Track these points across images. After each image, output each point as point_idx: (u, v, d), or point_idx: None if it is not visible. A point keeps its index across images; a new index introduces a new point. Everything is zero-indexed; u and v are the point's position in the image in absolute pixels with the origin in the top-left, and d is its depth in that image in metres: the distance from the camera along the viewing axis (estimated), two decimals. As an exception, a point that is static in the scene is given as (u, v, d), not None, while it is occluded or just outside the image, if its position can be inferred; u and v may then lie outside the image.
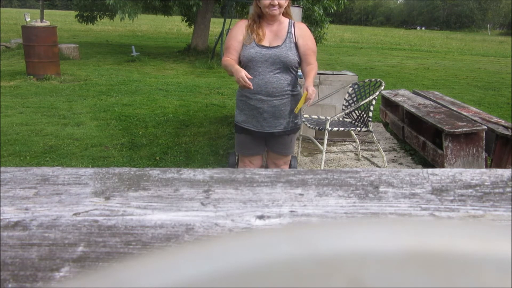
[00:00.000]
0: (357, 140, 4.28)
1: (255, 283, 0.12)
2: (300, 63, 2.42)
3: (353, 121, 3.93)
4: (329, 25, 12.15)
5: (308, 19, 10.51)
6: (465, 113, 3.89)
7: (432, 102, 4.44)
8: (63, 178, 0.54)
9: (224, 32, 10.82)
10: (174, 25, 26.21)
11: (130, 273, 0.13)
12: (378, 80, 3.88)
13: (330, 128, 3.63)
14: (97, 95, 6.60)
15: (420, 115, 3.99)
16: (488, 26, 71.45)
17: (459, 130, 3.42)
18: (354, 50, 19.25)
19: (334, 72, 4.97)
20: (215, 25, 15.47)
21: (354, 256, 0.13)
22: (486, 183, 0.53)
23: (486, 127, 3.47)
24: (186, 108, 5.97)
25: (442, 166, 3.51)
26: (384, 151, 4.22)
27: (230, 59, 2.35)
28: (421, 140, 4.04)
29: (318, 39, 11.36)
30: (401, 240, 0.13)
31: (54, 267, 0.38)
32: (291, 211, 0.47)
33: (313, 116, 4.10)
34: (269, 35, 2.38)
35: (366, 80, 4.04)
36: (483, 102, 7.48)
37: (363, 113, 3.76)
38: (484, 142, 3.50)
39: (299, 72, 3.41)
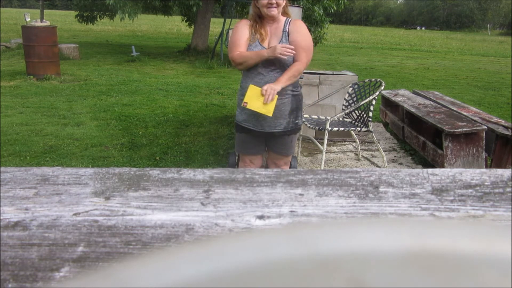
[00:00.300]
0: (357, 140, 4.28)
1: (255, 283, 0.12)
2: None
3: (353, 121, 3.93)
4: (329, 25, 12.16)
5: (308, 19, 10.50)
6: (465, 113, 3.89)
7: (432, 102, 4.44)
8: (63, 178, 0.54)
9: (224, 32, 10.83)
10: (174, 25, 26.21)
11: (130, 273, 0.13)
12: (378, 80, 3.88)
13: (330, 128, 3.63)
14: (97, 95, 6.60)
15: (420, 115, 3.99)
16: (488, 26, 71.44)
17: (459, 130, 3.42)
18: (354, 50, 19.25)
19: (334, 72, 4.97)
20: (215, 25, 15.47)
21: (354, 256, 0.13)
22: (486, 183, 0.53)
23: (486, 127, 3.47)
24: (186, 108, 5.97)
25: (442, 166, 3.51)
26: (384, 151, 4.22)
27: (246, 51, 2.36)
28: (421, 140, 4.04)
29: (318, 39, 11.37)
30: (401, 240, 0.13)
31: (54, 267, 0.38)
32: (291, 211, 0.47)
33: (313, 116, 4.10)
34: (269, 35, 2.39)
35: (366, 80, 4.04)
36: (483, 102, 7.48)
37: (363, 113, 3.76)
38: (484, 142, 3.50)
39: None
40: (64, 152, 4.02)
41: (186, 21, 13.83)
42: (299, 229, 0.15)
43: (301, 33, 2.36)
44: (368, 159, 4.15)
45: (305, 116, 3.95)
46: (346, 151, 4.38)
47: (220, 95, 7.13)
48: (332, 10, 11.17)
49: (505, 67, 14.22)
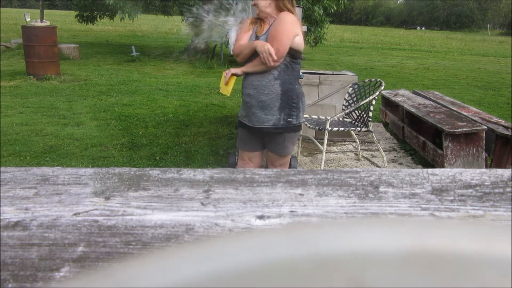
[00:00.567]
0: (357, 140, 4.28)
1: (255, 283, 0.12)
2: (292, 57, 2.38)
3: (353, 121, 3.93)
4: (329, 25, 12.16)
5: (308, 19, 10.50)
6: (465, 113, 3.89)
7: (432, 102, 4.44)
8: (63, 178, 0.54)
9: (224, 32, 10.81)
10: (174, 25, 26.21)
11: (130, 273, 0.13)
12: (378, 80, 3.88)
13: (330, 128, 3.63)
14: (97, 95, 6.60)
15: (420, 115, 3.99)
16: (488, 26, 71.45)
17: (459, 130, 3.42)
18: (354, 50, 19.25)
19: (334, 72, 4.97)
20: (215, 25, 15.44)
21: (354, 256, 0.13)
22: (486, 183, 0.53)
23: (486, 127, 3.47)
24: (186, 108, 5.97)
25: (442, 166, 3.51)
26: (384, 151, 4.22)
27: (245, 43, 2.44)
28: (421, 140, 4.04)
29: (318, 39, 11.37)
30: (401, 240, 0.13)
31: (54, 267, 0.38)
32: (291, 211, 0.47)
33: (313, 116, 4.10)
34: (265, 28, 2.43)
35: (366, 80, 4.04)
36: (483, 102, 7.48)
37: (363, 113, 3.76)
38: (484, 142, 3.50)
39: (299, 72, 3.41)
40: (64, 152, 4.02)
41: (186, 21, 13.83)
42: (299, 229, 0.15)
43: (277, 23, 2.35)
44: (368, 159, 4.15)
45: (305, 116, 3.95)
46: (346, 151, 4.38)
47: (220, 95, 7.13)
48: (332, 10, 11.17)
49: (505, 67, 14.22)
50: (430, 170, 0.57)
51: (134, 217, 0.46)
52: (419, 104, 4.38)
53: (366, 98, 3.73)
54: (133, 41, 16.61)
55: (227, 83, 2.46)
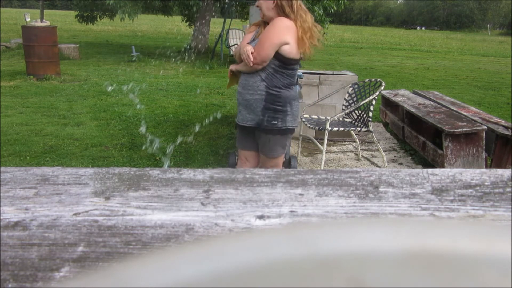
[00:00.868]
0: (357, 140, 4.28)
1: (255, 283, 0.12)
2: (282, 62, 2.35)
3: (353, 121, 3.93)
4: (329, 25, 12.14)
5: (308, 19, 10.49)
6: (465, 113, 3.89)
7: (432, 102, 4.44)
8: (63, 178, 0.54)
9: (224, 32, 10.83)
10: (174, 25, 26.20)
11: (130, 273, 0.13)
12: (378, 80, 3.88)
13: (330, 128, 3.63)
14: (97, 95, 6.60)
15: (420, 115, 3.99)
16: (488, 26, 71.46)
17: (459, 130, 3.42)
18: (354, 50, 19.24)
19: (334, 72, 4.97)
20: (215, 25, 15.48)
21: (354, 256, 0.13)
22: (486, 183, 0.53)
23: (486, 127, 3.47)
24: (186, 108, 5.97)
25: (442, 166, 3.51)
26: (384, 151, 4.22)
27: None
28: (421, 140, 4.04)
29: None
30: (401, 240, 0.13)
31: (54, 267, 0.38)
32: (291, 211, 0.47)
33: (313, 116, 4.10)
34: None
35: (366, 80, 4.04)
36: (483, 102, 7.48)
37: (363, 113, 3.76)
38: (484, 142, 3.50)
39: (299, 72, 3.41)
40: (64, 152, 4.02)
41: (186, 21, 13.84)
42: (299, 229, 0.15)
43: (266, 29, 2.34)
44: (368, 159, 4.15)
45: (305, 116, 3.95)
46: (346, 151, 4.38)
47: (220, 95, 7.14)
48: (332, 10, 11.17)
49: (505, 67, 14.21)
50: (430, 170, 0.57)
51: (134, 217, 0.46)
52: (419, 104, 4.38)
53: (366, 98, 3.73)
54: (133, 41, 16.61)
55: (229, 78, 2.60)
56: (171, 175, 0.55)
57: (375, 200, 0.50)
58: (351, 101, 4.08)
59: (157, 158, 3.97)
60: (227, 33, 10.75)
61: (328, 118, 3.84)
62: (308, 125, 3.76)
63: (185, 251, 0.14)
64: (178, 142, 4.25)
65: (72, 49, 10.83)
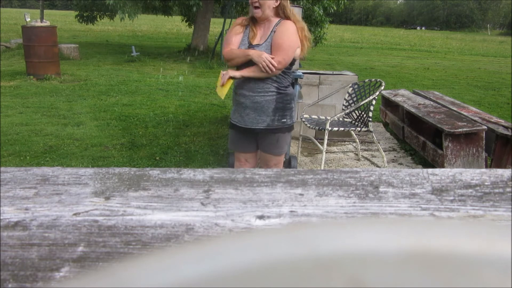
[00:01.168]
0: (357, 140, 4.28)
1: (255, 283, 0.12)
2: (290, 63, 2.40)
3: (353, 121, 3.93)
4: (329, 25, 12.15)
5: (308, 19, 10.50)
6: (465, 113, 3.89)
7: (432, 102, 4.44)
8: (63, 178, 0.54)
9: (224, 32, 10.82)
10: (174, 25, 26.20)
11: (130, 273, 0.13)
12: (378, 80, 3.88)
13: (330, 128, 3.63)
14: (97, 95, 6.60)
15: (420, 115, 3.99)
16: (488, 26, 71.46)
17: (459, 130, 3.42)
18: (354, 50, 19.24)
19: (334, 72, 4.97)
20: (215, 25, 15.46)
21: (354, 256, 0.13)
22: (486, 183, 0.53)
23: (486, 127, 3.47)
24: (186, 108, 5.97)
25: (442, 166, 3.51)
26: (384, 151, 4.22)
27: (236, 49, 2.39)
28: (421, 140, 4.04)
29: (318, 39, 11.36)
30: (401, 240, 0.13)
31: (54, 267, 0.38)
32: (291, 211, 0.47)
33: (313, 116, 4.10)
34: (259, 34, 2.40)
35: (366, 80, 4.04)
36: (483, 102, 7.48)
37: (363, 113, 3.76)
38: (484, 142, 3.50)
39: (298, 72, 3.40)
40: (64, 152, 4.02)
41: (186, 21, 13.83)
42: (299, 229, 0.15)
43: (283, 32, 2.34)
44: (368, 159, 4.15)
45: (305, 116, 3.95)
46: (346, 151, 4.38)
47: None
48: (332, 10, 11.17)
49: (505, 67, 14.21)
50: (430, 170, 0.57)
51: (134, 217, 0.46)
52: (419, 104, 4.38)
53: (366, 98, 3.73)
54: (133, 41, 16.61)
55: (224, 84, 2.38)
56: (171, 175, 0.55)
57: (375, 200, 0.50)
58: (351, 101, 4.08)
59: (157, 158, 3.97)
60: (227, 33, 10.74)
61: (328, 118, 3.84)
62: (308, 125, 3.75)
63: (185, 251, 0.14)
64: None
65: (72, 49, 10.83)
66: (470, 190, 0.52)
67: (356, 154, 4.26)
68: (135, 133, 4.70)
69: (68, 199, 0.49)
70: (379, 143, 4.12)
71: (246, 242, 0.14)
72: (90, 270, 0.38)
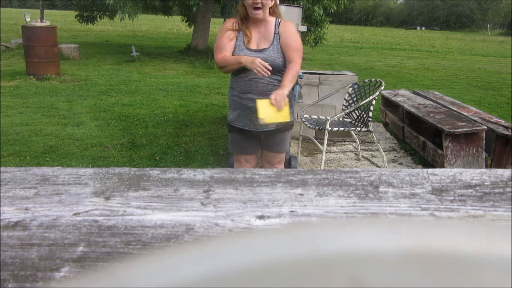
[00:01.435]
0: (357, 140, 4.28)
1: (255, 283, 0.12)
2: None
3: (353, 121, 3.93)
4: (329, 25, 12.15)
5: (308, 19, 10.50)
6: (465, 113, 3.89)
7: (432, 102, 4.44)
8: (63, 178, 0.54)
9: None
10: (174, 25, 26.20)
11: (130, 273, 0.13)
12: (378, 80, 3.88)
13: (330, 128, 3.63)
14: (97, 95, 6.60)
15: (420, 115, 3.99)
16: (488, 26, 71.46)
17: (459, 130, 3.42)
18: (354, 50, 19.24)
19: (334, 72, 4.97)
20: (215, 25, 15.45)
21: (354, 256, 0.13)
22: (486, 183, 0.53)
23: (486, 127, 3.47)
24: (186, 108, 5.97)
25: (442, 166, 3.51)
26: (384, 151, 4.22)
27: (229, 55, 2.33)
28: (421, 140, 4.04)
29: (318, 39, 11.37)
30: (401, 240, 0.13)
31: (54, 267, 0.38)
32: (291, 211, 0.47)
33: (313, 116, 4.10)
34: (256, 36, 2.35)
35: (366, 80, 4.04)
36: (483, 102, 7.48)
37: (363, 113, 3.76)
38: (484, 142, 3.50)
39: (299, 72, 3.40)
40: (64, 152, 4.02)
41: (186, 21, 13.83)
42: (299, 229, 0.15)
43: (292, 34, 2.36)
44: (368, 159, 4.15)
45: (305, 116, 3.95)
46: (346, 151, 4.38)
47: (220, 95, 7.13)
48: (332, 10, 11.17)
49: (505, 67, 14.21)
50: (430, 170, 0.57)
51: (134, 217, 0.46)
52: (419, 104, 4.38)
53: (366, 98, 3.73)
54: (133, 41, 16.61)
55: (282, 108, 2.21)
56: (171, 175, 0.55)
57: (375, 200, 0.50)
58: (351, 101, 4.08)
59: (157, 158, 3.97)
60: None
61: (328, 118, 3.84)
62: (308, 125, 3.75)
63: (185, 251, 0.14)
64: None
65: (72, 49, 10.83)
66: (470, 190, 0.52)
67: (356, 154, 4.26)
68: (135, 133, 4.70)
69: (68, 199, 0.49)
70: (379, 143, 4.13)
71: (246, 242, 0.14)
72: (90, 270, 0.38)
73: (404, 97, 4.81)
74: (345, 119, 4.02)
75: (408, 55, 17.96)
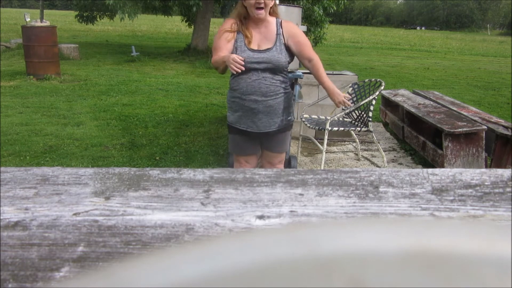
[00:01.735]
0: (357, 140, 4.28)
1: (255, 283, 0.12)
2: (290, 62, 2.42)
3: (353, 121, 3.93)
4: (329, 25, 12.15)
5: (308, 19, 10.50)
6: (465, 113, 3.89)
7: (432, 102, 4.44)
8: (63, 178, 0.54)
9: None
10: (174, 25, 26.20)
11: (130, 273, 0.13)
12: (378, 80, 3.88)
13: (330, 128, 3.63)
14: (97, 95, 6.60)
15: (420, 115, 3.99)
16: (488, 26, 71.46)
17: (459, 130, 3.42)
18: (354, 50, 19.24)
19: (334, 72, 4.97)
20: (215, 25, 15.45)
21: (354, 256, 0.13)
22: (486, 183, 0.53)
23: (486, 127, 3.47)
24: (186, 108, 5.97)
25: (442, 166, 3.51)
26: (384, 151, 4.22)
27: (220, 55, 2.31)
28: (421, 140, 4.04)
29: (318, 39, 11.36)
30: (401, 240, 0.13)
31: (54, 267, 0.38)
32: (291, 211, 0.47)
33: (313, 116, 4.10)
34: (257, 37, 2.33)
35: (366, 80, 4.04)
36: (483, 102, 7.48)
37: (363, 113, 3.76)
38: (484, 142, 3.50)
39: (298, 72, 3.40)
40: (64, 152, 4.02)
41: (186, 21, 13.83)
42: (299, 229, 0.15)
43: (299, 33, 2.42)
44: (368, 159, 4.15)
45: (305, 116, 3.95)
46: (346, 151, 4.38)
47: (220, 95, 7.13)
48: (332, 10, 11.16)
49: (505, 67, 14.21)
50: (430, 170, 0.57)
51: (134, 217, 0.46)
52: (419, 104, 4.38)
53: (366, 98, 3.73)
54: (133, 41, 16.60)
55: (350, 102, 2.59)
56: (171, 175, 0.55)
57: (375, 200, 0.50)
58: (351, 101, 4.08)
59: (157, 158, 3.97)
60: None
61: (328, 118, 3.84)
62: (308, 125, 3.75)
63: (185, 251, 0.14)
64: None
65: (72, 49, 10.83)
66: (470, 190, 0.52)
67: (356, 154, 4.26)
68: (135, 133, 4.70)
69: (68, 199, 0.49)
70: (379, 143, 4.12)
71: (246, 242, 0.14)
72: (90, 270, 0.38)
73: (404, 97, 4.80)
74: (345, 119, 4.02)
75: (408, 55, 17.95)
